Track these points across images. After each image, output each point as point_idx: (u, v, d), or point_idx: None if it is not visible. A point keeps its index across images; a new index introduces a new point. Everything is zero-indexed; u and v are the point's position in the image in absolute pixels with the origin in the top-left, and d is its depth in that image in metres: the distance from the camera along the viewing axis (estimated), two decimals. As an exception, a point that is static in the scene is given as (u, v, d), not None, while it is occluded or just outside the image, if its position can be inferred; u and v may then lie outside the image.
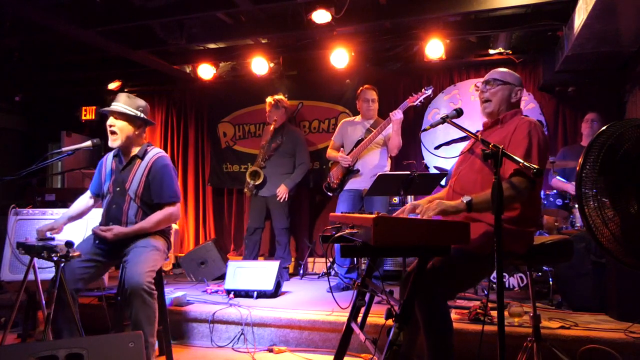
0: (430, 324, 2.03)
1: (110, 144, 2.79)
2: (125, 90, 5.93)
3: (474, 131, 2.20)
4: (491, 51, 4.88)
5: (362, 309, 2.40)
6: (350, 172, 4.31)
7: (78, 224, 3.07)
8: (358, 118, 4.50)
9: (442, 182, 4.17)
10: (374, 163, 4.27)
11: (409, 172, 3.43)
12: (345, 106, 5.43)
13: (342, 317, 3.05)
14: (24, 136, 6.65)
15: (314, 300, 3.73)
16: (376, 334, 2.17)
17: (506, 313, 2.98)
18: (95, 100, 6.08)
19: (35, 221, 3.24)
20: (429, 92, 4.13)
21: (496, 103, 2.28)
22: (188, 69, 5.76)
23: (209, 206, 5.99)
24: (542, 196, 3.93)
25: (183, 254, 5.34)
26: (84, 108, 6.10)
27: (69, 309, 2.41)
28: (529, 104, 4.89)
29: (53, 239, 2.60)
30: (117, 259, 2.72)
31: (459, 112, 2.28)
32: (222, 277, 4.39)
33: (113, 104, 2.78)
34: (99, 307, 3.46)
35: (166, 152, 2.98)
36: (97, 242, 2.70)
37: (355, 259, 4.27)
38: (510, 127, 2.18)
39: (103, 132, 2.91)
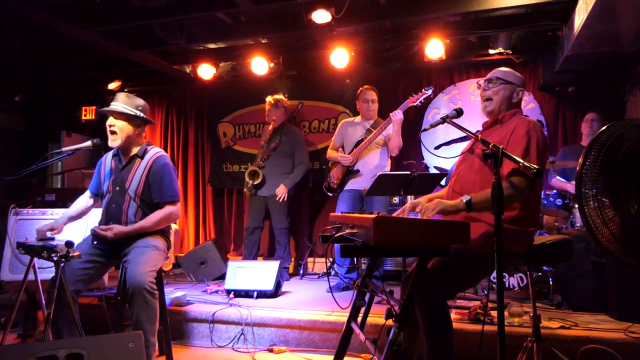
0: (430, 324, 2.03)
1: (110, 143, 2.79)
2: (125, 90, 5.92)
3: (474, 131, 2.20)
4: (491, 51, 4.88)
5: (362, 309, 2.40)
6: (350, 172, 4.31)
7: (78, 224, 3.07)
8: (358, 118, 4.50)
9: (442, 182, 4.17)
10: (375, 163, 4.27)
11: (409, 172, 3.43)
12: (345, 106, 5.43)
13: (342, 317, 3.05)
14: (24, 136, 6.65)
15: (314, 300, 3.73)
16: (376, 334, 2.17)
17: (506, 313, 2.98)
18: (95, 100, 6.08)
19: (35, 221, 3.24)
20: (429, 92, 4.13)
21: (497, 102, 2.28)
22: (188, 69, 5.76)
23: (209, 206, 5.99)
24: (542, 196, 3.93)
25: (183, 254, 5.34)
26: (84, 108, 6.11)
27: (69, 309, 2.41)
28: (529, 104, 4.89)
29: (53, 239, 2.61)
30: (117, 259, 2.72)
31: (459, 112, 2.27)
32: (222, 277, 4.39)
33: (112, 103, 2.78)
34: (99, 307, 3.46)
35: (166, 152, 2.97)
36: (95, 242, 2.70)
37: (355, 259, 4.27)
38: (510, 127, 2.18)
39: (103, 132, 2.91)
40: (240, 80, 5.77)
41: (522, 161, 1.83)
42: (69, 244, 2.28)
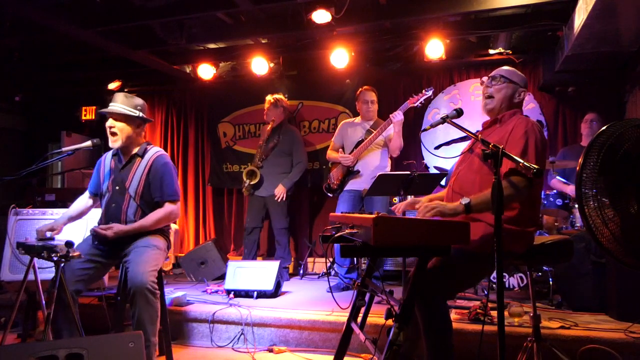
0: (430, 323, 2.03)
1: (111, 145, 2.79)
2: (125, 90, 5.93)
3: (474, 131, 2.20)
4: (491, 51, 4.88)
5: (362, 309, 2.40)
6: (350, 173, 4.31)
7: (78, 224, 3.07)
8: (358, 119, 4.50)
9: (442, 182, 4.17)
10: (375, 164, 4.27)
11: (409, 172, 3.42)
12: (345, 106, 5.43)
13: (342, 317, 3.05)
14: (24, 136, 6.65)
15: (314, 300, 3.73)
16: (376, 334, 2.17)
17: (506, 313, 2.98)
18: (95, 100, 6.08)
19: (35, 221, 3.24)
20: (430, 93, 4.13)
21: (498, 100, 2.27)
22: (188, 69, 5.76)
23: (209, 206, 5.99)
24: (542, 196, 3.93)
25: (183, 254, 5.34)
26: (84, 108, 6.10)
27: (69, 309, 2.41)
28: (529, 104, 4.89)
29: (53, 239, 2.61)
30: (117, 259, 2.72)
31: (459, 112, 2.27)
32: (222, 277, 4.39)
33: (111, 104, 2.78)
34: (99, 307, 3.46)
35: (166, 152, 2.97)
36: (96, 242, 2.70)
37: (355, 259, 4.27)
38: (509, 127, 2.18)
39: (103, 132, 2.91)
40: (240, 80, 5.76)
41: (522, 161, 1.82)
42: (69, 244, 2.28)
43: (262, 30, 4.71)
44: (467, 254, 2.05)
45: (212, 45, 5.23)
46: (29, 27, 4.49)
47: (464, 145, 2.57)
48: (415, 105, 4.14)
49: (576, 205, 3.69)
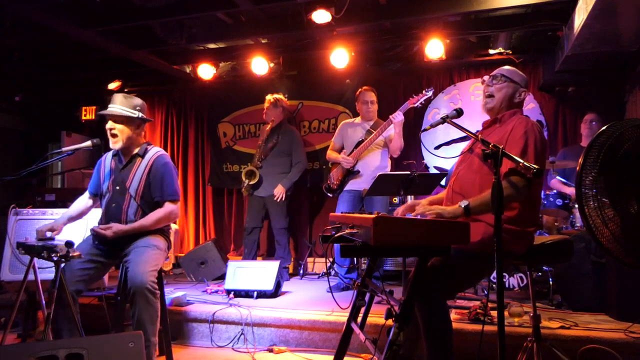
0: (430, 323, 2.03)
1: (112, 146, 2.79)
2: (125, 90, 5.94)
3: (473, 131, 2.20)
4: (491, 51, 4.88)
5: (362, 309, 2.40)
6: (350, 173, 4.31)
7: (78, 224, 3.07)
8: (358, 119, 4.50)
9: (442, 182, 4.17)
10: (375, 164, 4.27)
11: (409, 172, 3.43)
12: (345, 106, 5.43)
13: (342, 317, 3.05)
14: (24, 136, 6.65)
15: (314, 300, 3.73)
16: (376, 334, 2.17)
17: (506, 313, 2.98)
18: (95, 100, 6.08)
19: (35, 221, 3.24)
20: (430, 93, 4.13)
21: (498, 99, 2.27)
22: (188, 69, 5.76)
23: (209, 206, 6.00)
24: (542, 196, 3.93)
25: (183, 254, 5.34)
26: (84, 108, 6.10)
27: (69, 309, 2.42)
28: (529, 104, 4.89)
29: (53, 239, 2.61)
30: (118, 259, 2.72)
31: (459, 112, 2.27)
32: (222, 277, 4.39)
33: (110, 106, 2.77)
34: (99, 307, 3.46)
35: (166, 152, 2.98)
36: (96, 242, 2.70)
37: (355, 259, 4.27)
38: (508, 127, 2.18)
39: (103, 132, 2.91)
40: (240, 80, 5.77)
41: (522, 161, 1.82)
42: (69, 244, 2.28)
43: (262, 30, 4.71)
44: (467, 254, 2.05)
45: (212, 45, 5.23)
46: (29, 27, 4.49)
47: (464, 145, 2.57)
48: (415, 105, 4.14)
49: (576, 205, 3.69)
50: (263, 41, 5.12)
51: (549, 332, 2.76)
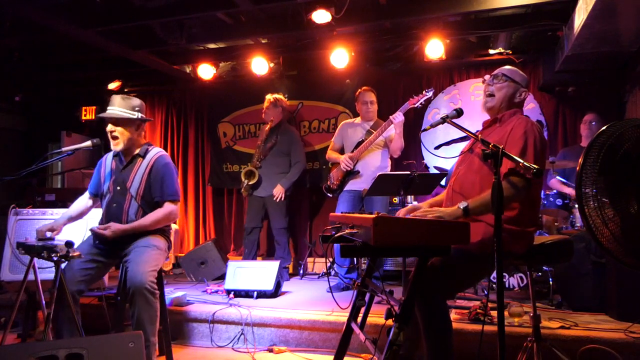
0: (430, 323, 2.03)
1: (113, 148, 2.79)
2: (125, 90, 5.94)
3: (474, 131, 2.20)
4: (491, 51, 4.88)
5: (362, 309, 2.40)
6: (350, 173, 4.31)
7: (78, 224, 3.07)
8: (358, 120, 4.50)
9: (442, 182, 4.17)
10: (375, 165, 4.27)
11: (409, 172, 3.43)
12: (345, 106, 5.43)
13: (342, 317, 3.05)
14: (24, 136, 6.65)
15: (314, 300, 3.73)
16: (376, 334, 2.17)
17: (506, 313, 2.98)
18: (95, 100, 6.08)
19: (35, 221, 3.24)
20: (430, 94, 4.13)
21: (499, 99, 2.27)
22: (188, 69, 5.76)
23: (209, 206, 6.00)
24: (542, 196, 3.93)
25: (183, 254, 5.34)
26: (84, 108, 6.10)
27: (69, 309, 2.41)
28: (529, 104, 4.89)
29: (53, 239, 2.61)
30: (118, 259, 2.73)
31: (459, 112, 2.27)
32: (222, 277, 4.39)
33: (109, 108, 2.76)
34: (99, 307, 3.46)
35: (166, 152, 2.98)
36: (96, 242, 2.70)
37: (355, 259, 4.27)
38: (508, 127, 2.18)
39: (103, 132, 2.92)
40: (240, 80, 5.77)
41: (522, 161, 1.82)
42: (69, 244, 2.28)
43: (262, 30, 4.71)
44: (467, 254, 2.05)
45: (212, 45, 5.23)
46: (29, 27, 4.49)
47: (463, 145, 2.57)
48: (416, 106, 4.14)
49: (576, 205, 3.69)
50: (263, 41, 5.12)
51: (549, 332, 2.76)
